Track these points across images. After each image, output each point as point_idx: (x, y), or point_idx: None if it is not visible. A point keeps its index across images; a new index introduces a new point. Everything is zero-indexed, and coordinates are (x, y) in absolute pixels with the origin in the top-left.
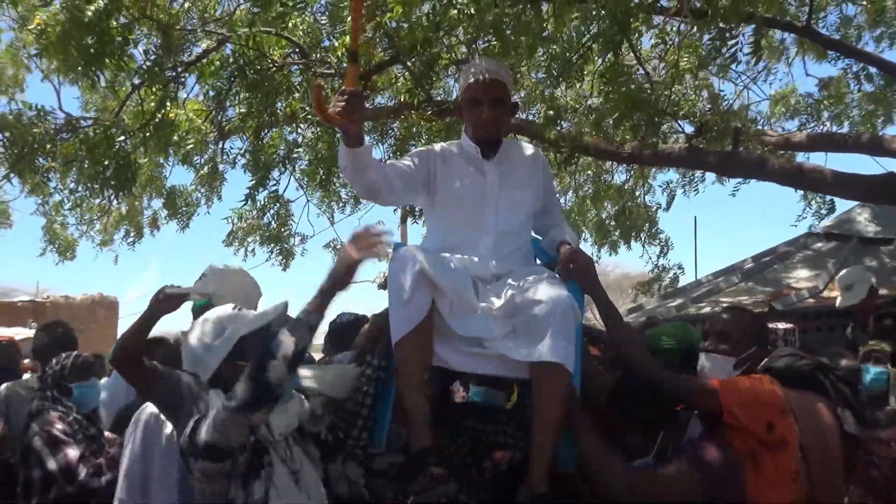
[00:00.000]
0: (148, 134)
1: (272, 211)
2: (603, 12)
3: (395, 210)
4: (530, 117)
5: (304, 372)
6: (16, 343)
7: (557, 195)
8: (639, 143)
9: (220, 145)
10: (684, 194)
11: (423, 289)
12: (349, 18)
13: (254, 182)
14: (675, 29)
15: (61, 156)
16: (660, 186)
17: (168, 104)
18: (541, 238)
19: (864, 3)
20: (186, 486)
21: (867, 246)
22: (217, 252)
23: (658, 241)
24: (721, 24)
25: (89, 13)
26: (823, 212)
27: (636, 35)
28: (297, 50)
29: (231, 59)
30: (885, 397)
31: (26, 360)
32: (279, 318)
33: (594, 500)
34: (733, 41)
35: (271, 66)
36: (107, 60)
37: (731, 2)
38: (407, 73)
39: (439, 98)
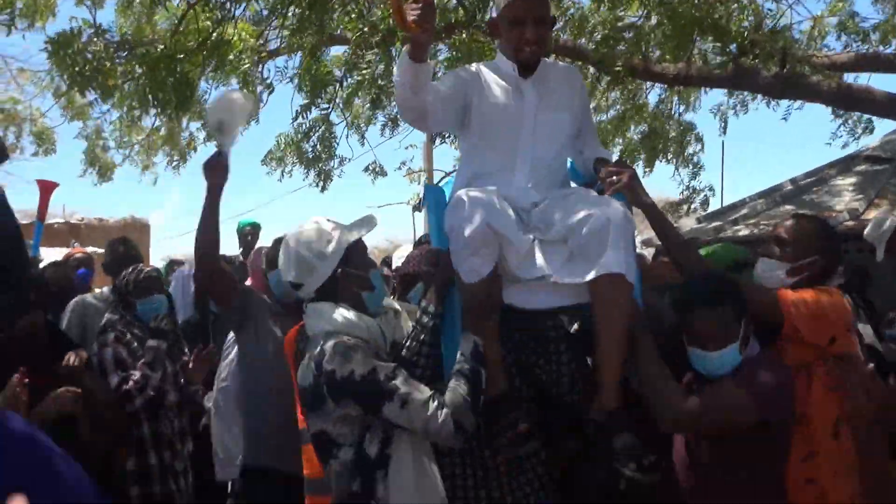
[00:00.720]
0: (206, 53)
1: (317, 133)
2: None
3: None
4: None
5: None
6: (90, 257)
7: (592, 116)
8: (685, 65)
9: (261, 66)
10: (735, 116)
11: (489, 243)
12: None
13: (307, 102)
14: None
15: (119, 75)
16: (710, 110)
17: (223, 24)
18: (575, 158)
19: None
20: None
21: None
22: (254, 172)
23: (690, 164)
24: None
25: None
26: (859, 132)
27: None
28: None
29: None
30: None
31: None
32: (370, 227)
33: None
34: None
35: None
36: None
37: None
38: None
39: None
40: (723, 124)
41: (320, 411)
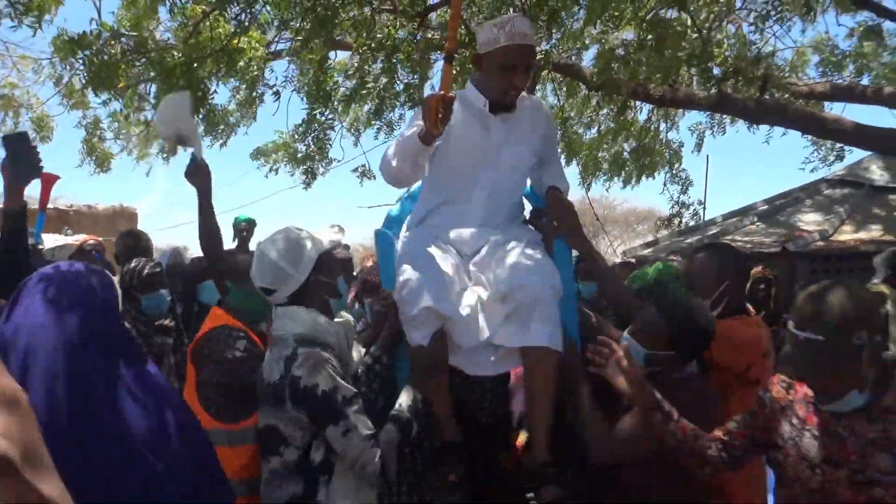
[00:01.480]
0: (220, 62)
1: (312, 136)
2: None
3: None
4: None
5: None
6: (101, 244)
7: (558, 146)
8: (670, 87)
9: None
10: (712, 136)
11: (431, 322)
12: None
13: (313, 113)
14: None
15: (136, 77)
16: (689, 128)
17: (237, 35)
18: (535, 186)
19: None
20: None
21: (877, 193)
22: (243, 166)
23: (679, 180)
24: None
25: None
26: (831, 158)
27: None
28: None
29: None
30: None
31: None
32: (340, 236)
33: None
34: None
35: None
36: None
37: None
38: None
39: None
40: (698, 142)
41: (278, 409)
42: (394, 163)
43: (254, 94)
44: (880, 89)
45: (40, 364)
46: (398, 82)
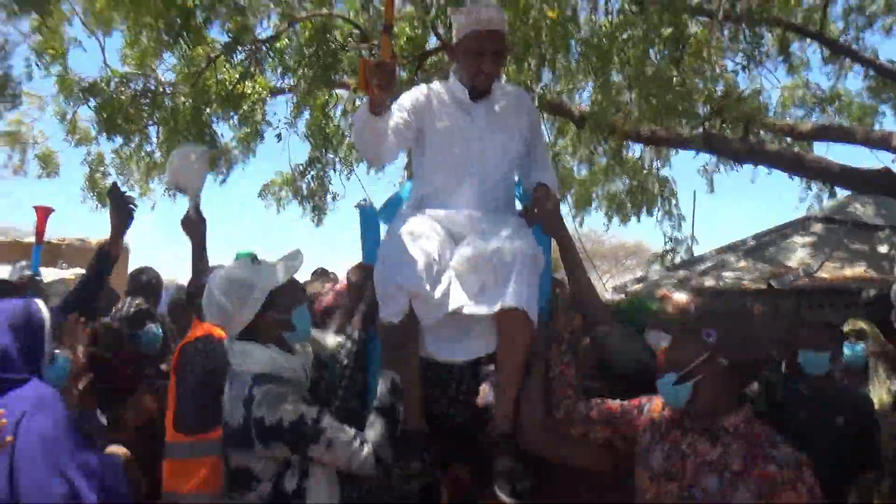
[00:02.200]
0: (226, 105)
1: (312, 173)
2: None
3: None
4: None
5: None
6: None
7: (544, 137)
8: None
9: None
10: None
11: (400, 297)
12: None
13: (316, 155)
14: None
15: (145, 120)
16: (697, 171)
17: (243, 82)
18: (523, 179)
19: None
20: None
21: (861, 231)
22: (248, 204)
23: (672, 216)
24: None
25: None
26: (825, 196)
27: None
28: (358, 30)
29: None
30: None
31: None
32: (296, 267)
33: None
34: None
35: (334, 45)
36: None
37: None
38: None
39: None
40: (709, 181)
41: (247, 451)
42: (356, 138)
43: (257, 131)
44: (868, 132)
45: None
46: None
